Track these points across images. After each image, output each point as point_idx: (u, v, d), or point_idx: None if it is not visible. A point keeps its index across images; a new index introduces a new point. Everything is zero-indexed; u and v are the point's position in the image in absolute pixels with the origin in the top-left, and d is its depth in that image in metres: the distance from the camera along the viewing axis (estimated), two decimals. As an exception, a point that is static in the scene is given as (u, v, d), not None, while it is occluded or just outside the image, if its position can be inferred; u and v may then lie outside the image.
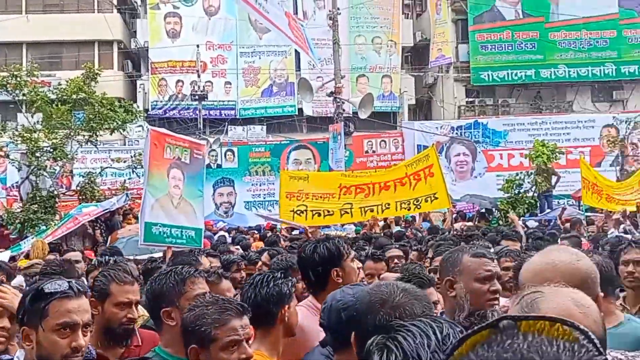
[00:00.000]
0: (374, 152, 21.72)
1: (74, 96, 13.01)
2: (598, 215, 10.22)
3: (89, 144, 13.55)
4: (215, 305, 1.89)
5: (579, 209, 13.55)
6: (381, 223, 9.29)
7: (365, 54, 24.13)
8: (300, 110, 23.27)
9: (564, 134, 21.13)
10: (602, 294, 1.65)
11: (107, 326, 2.30)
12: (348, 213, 7.36)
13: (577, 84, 24.62)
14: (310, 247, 2.59)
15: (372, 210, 7.27)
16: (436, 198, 7.01)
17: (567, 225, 9.20)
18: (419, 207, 7.26)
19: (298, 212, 7.33)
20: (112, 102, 13.26)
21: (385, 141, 21.95)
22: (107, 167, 14.79)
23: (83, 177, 13.75)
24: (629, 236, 6.55)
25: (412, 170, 7.19)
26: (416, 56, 26.01)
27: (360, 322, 1.45)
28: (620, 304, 2.97)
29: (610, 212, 8.90)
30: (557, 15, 24.03)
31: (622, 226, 8.88)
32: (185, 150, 4.26)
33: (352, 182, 7.57)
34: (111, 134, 14.20)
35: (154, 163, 3.99)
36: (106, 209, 10.20)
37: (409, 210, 7.50)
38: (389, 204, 7.18)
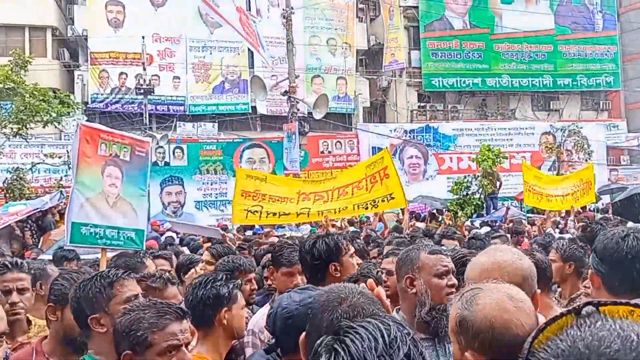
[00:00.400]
0: (329, 152, 21.83)
1: (1, 85, 12.17)
2: (539, 216, 10.82)
3: (18, 137, 12.71)
4: (153, 309, 1.77)
5: (522, 210, 14.31)
6: (338, 223, 9.33)
7: (320, 54, 24.13)
8: (254, 108, 22.91)
9: (507, 139, 22.22)
10: (539, 290, 1.77)
11: (66, 334, 2.12)
12: (304, 214, 7.34)
13: (519, 93, 25.82)
14: (309, 242, 2.65)
15: (329, 211, 7.27)
16: (393, 198, 7.10)
17: (511, 225, 9.61)
18: (376, 206, 7.34)
19: (253, 211, 7.24)
20: (45, 93, 12.47)
21: (340, 142, 22.12)
22: (39, 163, 13.95)
23: (10, 172, 12.92)
24: (566, 235, 6.86)
25: (371, 171, 7.26)
26: (370, 59, 26.34)
27: (313, 321, 1.39)
28: (555, 298, 3.21)
29: (550, 212, 9.51)
30: (501, 28, 25.19)
31: (559, 226, 9.40)
32: (124, 147, 4.00)
33: (311, 189, 7.54)
34: (44, 127, 13.28)
35: (85, 160, 3.72)
36: (37, 208, 9.49)
37: (366, 209, 7.56)
38: (346, 206, 7.24)
